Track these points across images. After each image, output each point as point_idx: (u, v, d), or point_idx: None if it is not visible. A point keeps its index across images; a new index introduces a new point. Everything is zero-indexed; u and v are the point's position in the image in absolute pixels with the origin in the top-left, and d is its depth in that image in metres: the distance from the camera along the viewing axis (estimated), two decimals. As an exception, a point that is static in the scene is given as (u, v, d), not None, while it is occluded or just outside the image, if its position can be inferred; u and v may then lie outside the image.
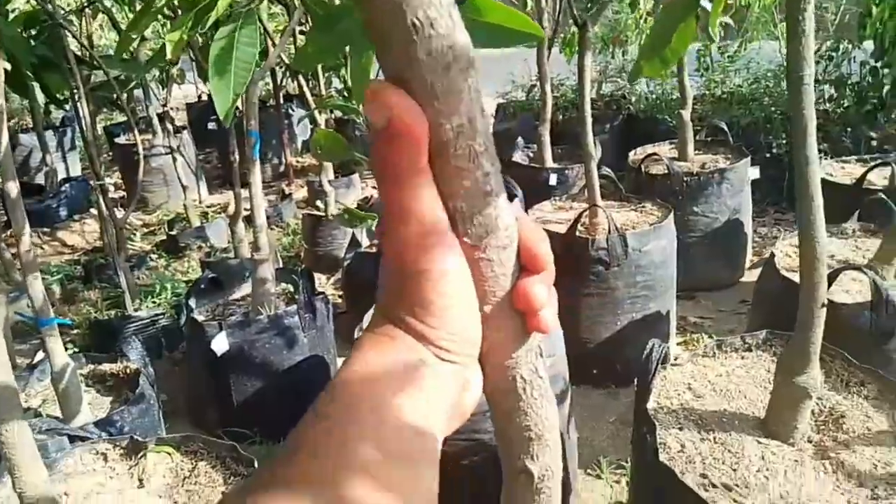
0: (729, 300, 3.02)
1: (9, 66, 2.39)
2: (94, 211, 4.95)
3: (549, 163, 3.84)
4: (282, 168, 5.86)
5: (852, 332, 1.76)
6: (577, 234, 2.39)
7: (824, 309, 1.24)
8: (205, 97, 7.01)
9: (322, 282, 3.72)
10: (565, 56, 4.54)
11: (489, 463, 1.70)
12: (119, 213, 3.39)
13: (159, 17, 3.47)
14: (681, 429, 1.37)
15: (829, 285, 1.75)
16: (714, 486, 1.21)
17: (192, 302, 2.49)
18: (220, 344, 2.23)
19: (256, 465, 1.38)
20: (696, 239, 3.02)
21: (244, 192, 2.75)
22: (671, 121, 4.02)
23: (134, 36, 1.52)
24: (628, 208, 2.71)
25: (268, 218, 4.33)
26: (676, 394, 1.47)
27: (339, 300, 3.36)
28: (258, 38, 1.22)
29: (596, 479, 2.09)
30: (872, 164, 2.57)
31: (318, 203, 4.27)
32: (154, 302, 2.97)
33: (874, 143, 3.47)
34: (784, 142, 3.74)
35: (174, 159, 4.24)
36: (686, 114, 3.12)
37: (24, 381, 2.05)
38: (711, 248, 3.03)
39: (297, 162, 6.25)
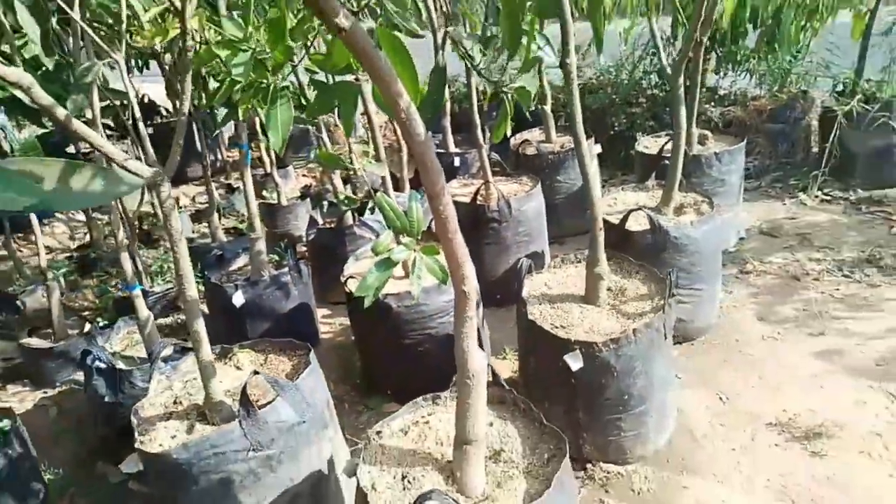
0: (585, 241, 4.23)
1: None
2: (59, 216, 5.62)
3: (452, 148, 4.92)
4: (218, 164, 6.63)
5: (641, 247, 2.95)
6: (477, 202, 3.49)
7: (602, 231, 2.37)
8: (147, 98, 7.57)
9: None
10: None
11: (437, 348, 2.77)
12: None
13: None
14: (540, 304, 2.50)
15: (625, 221, 2.94)
16: (555, 326, 2.35)
17: (205, 274, 3.41)
18: (238, 299, 3.19)
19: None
20: (561, 200, 4.20)
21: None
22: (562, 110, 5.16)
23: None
24: (511, 181, 3.84)
25: (223, 209, 5.22)
26: (537, 288, 2.60)
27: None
28: (290, 108, 2.20)
29: (503, 361, 3.21)
30: (667, 138, 3.80)
31: (266, 193, 5.18)
32: (162, 280, 3.83)
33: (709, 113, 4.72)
34: (624, 121, 4.98)
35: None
36: (547, 108, 4.26)
37: (107, 336, 2.95)
38: (572, 205, 4.21)
39: (228, 157, 7.03)
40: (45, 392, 3.29)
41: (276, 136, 2.15)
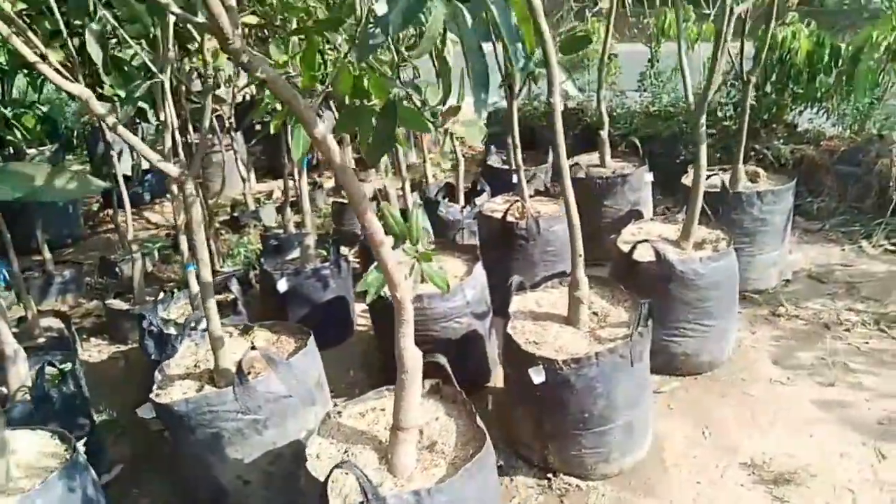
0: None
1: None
2: (169, 196, 6.37)
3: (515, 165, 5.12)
4: (314, 162, 7.21)
5: (647, 278, 3.04)
6: (509, 219, 3.70)
7: (581, 258, 2.53)
8: (248, 97, 8.39)
9: (345, 251, 5.07)
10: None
11: (440, 350, 3.01)
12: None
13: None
14: (524, 320, 2.69)
15: (633, 251, 3.06)
16: (528, 341, 2.53)
17: (263, 259, 3.85)
18: (282, 285, 3.60)
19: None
20: (606, 224, 4.30)
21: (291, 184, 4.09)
22: (613, 132, 5.25)
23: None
24: (550, 202, 4.00)
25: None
26: (527, 305, 2.79)
27: (357, 264, 4.71)
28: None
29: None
30: (710, 173, 3.81)
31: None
32: (232, 262, 4.34)
33: (753, 153, 4.67)
34: (690, 150, 4.97)
35: (235, 156, 5.61)
36: (603, 133, 4.37)
37: (167, 305, 3.44)
38: (616, 231, 4.28)
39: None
40: (119, 347, 3.86)
41: (297, 150, 2.47)
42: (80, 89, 1.94)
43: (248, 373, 2.48)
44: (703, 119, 2.96)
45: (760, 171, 3.90)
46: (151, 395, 2.40)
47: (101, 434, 2.95)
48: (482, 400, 3.08)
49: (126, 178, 6.60)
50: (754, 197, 3.62)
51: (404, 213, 4.51)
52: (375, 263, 2.48)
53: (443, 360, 2.23)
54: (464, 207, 4.50)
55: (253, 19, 2.56)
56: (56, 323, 3.77)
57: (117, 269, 4.55)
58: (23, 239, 4.52)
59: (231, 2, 1.27)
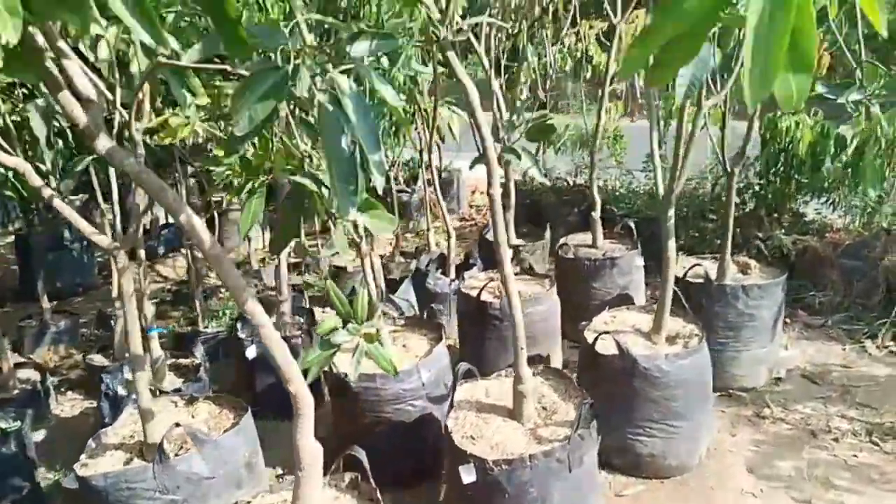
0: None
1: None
2: (184, 251, 6.52)
3: (513, 240, 5.07)
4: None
5: (610, 372, 2.91)
6: (484, 298, 3.62)
7: (524, 351, 2.43)
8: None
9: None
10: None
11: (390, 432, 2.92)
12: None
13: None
14: (468, 410, 2.58)
15: (595, 343, 2.95)
16: (465, 436, 2.42)
17: (238, 324, 3.85)
18: (251, 352, 3.58)
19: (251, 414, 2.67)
20: (595, 306, 4.16)
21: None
22: (616, 211, 5.17)
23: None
24: (531, 282, 3.92)
25: (307, 266, 5.74)
26: (475, 394, 2.69)
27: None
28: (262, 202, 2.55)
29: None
30: (692, 265, 3.68)
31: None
32: (217, 322, 4.36)
33: (754, 242, 4.51)
34: (696, 235, 4.85)
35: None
36: (595, 214, 4.30)
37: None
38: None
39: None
40: (93, 403, 3.87)
41: (245, 224, 2.49)
42: (17, 162, 2.00)
43: (181, 448, 2.45)
44: (672, 212, 2.88)
45: (752, 262, 3.75)
46: (76, 466, 2.38)
47: (41, 498, 2.92)
48: (433, 493, 2.93)
49: (144, 230, 6.86)
50: (739, 290, 3.47)
51: (394, 285, 4.50)
52: (319, 342, 2.43)
53: (361, 453, 2.15)
54: (452, 280, 4.45)
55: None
56: (35, 375, 3.83)
57: (112, 323, 4.62)
58: (34, 286, 4.65)
59: (93, 96, 1.29)
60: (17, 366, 3.83)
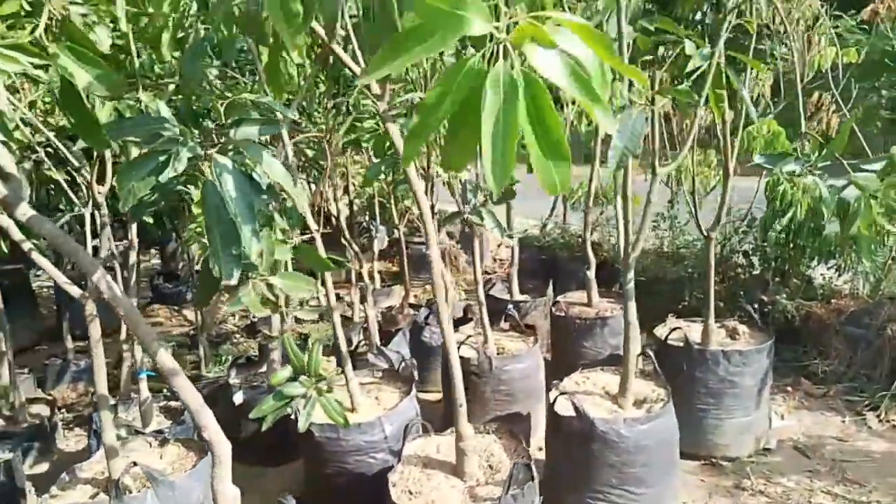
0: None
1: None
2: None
3: (516, 296, 5.12)
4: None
5: (569, 433, 2.91)
6: (462, 353, 3.68)
7: (463, 408, 2.48)
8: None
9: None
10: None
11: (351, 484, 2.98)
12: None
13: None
14: (415, 465, 2.64)
15: (554, 404, 2.97)
16: (404, 491, 2.48)
17: (233, 371, 4.02)
18: (238, 398, 3.73)
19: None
20: (583, 366, 4.15)
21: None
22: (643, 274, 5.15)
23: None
24: (516, 339, 3.96)
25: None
26: (425, 449, 2.74)
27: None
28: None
29: None
30: (671, 328, 3.65)
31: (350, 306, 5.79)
32: (220, 368, 4.56)
33: (759, 305, 4.42)
34: (700, 297, 4.78)
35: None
36: (590, 272, 4.33)
37: (127, 404, 3.65)
38: (593, 373, 4.15)
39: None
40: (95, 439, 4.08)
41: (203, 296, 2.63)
42: (-1, 218, 2.24)
43: (143, 487, 2.59)
44: (630, 275, 2.90)
45: (741, 327, 3.69)
46: (45, 496, 2.55)
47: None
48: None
49: (176, 276, 7.24)
50: (720, 355, 3.42)
51: (390, 337, 4.61)
52: (273, 394, 2.56)
53: (291, 502, 2.23)
54: (448, 335, 4.52)
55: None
56: (46, 410, 4.08)
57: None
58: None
59: (13, 171, 1.48)
60: (31, 401, 4.09)
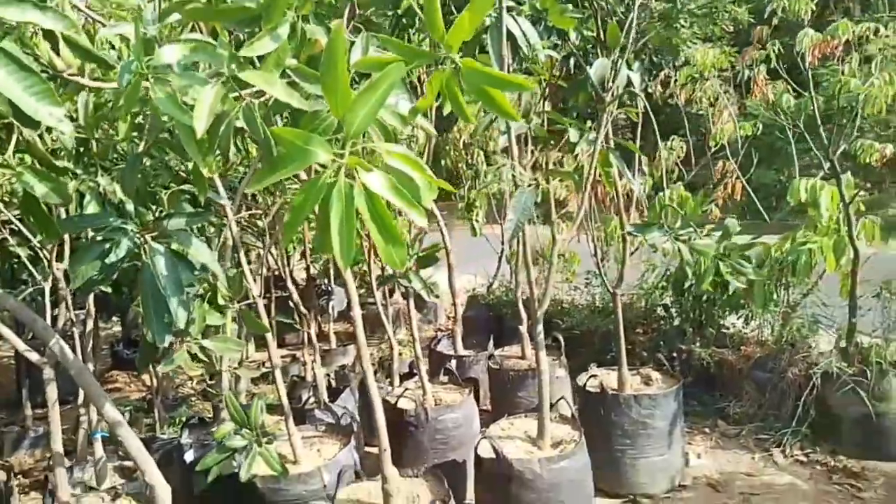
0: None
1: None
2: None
3: (460, 351, 5.45)
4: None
5: (490, 475, 3.21)
6: (401, 405, 3.98)
7: (387, 452, 2.78)
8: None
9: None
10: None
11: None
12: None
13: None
14: (347, 508, 2.90)
15: (476, 447, 3.26)
16: (334, 530, 2.73)
17: (185, 431, 4.24)
18: (189, 456, 3.94)
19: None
20: (518, 415, 4.47)
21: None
22: (561, 324, 5.53)
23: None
24: (452, 391, 4.27)
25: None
26: (357, 493, 3.01)
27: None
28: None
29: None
30: (590, 376, 4.00)
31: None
32: (173, 429, 4.76)
33: (678, 354, 4.82)
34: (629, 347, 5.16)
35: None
36: (522, 328, 4.68)
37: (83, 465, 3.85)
38: (526, 421, 4.45)
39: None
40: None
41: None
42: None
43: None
44: (540, 327, 3.26)
45: (655, 374, 4.06)
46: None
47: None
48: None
49: (134, 342, 7.41)
50: (632, 400, 3.77)
51: (339, 393, 4.87)
52: (217, 447, 2.83)
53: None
54: (393, 389, 4.81)
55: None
56: (2, 475, 4.24)
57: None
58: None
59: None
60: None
